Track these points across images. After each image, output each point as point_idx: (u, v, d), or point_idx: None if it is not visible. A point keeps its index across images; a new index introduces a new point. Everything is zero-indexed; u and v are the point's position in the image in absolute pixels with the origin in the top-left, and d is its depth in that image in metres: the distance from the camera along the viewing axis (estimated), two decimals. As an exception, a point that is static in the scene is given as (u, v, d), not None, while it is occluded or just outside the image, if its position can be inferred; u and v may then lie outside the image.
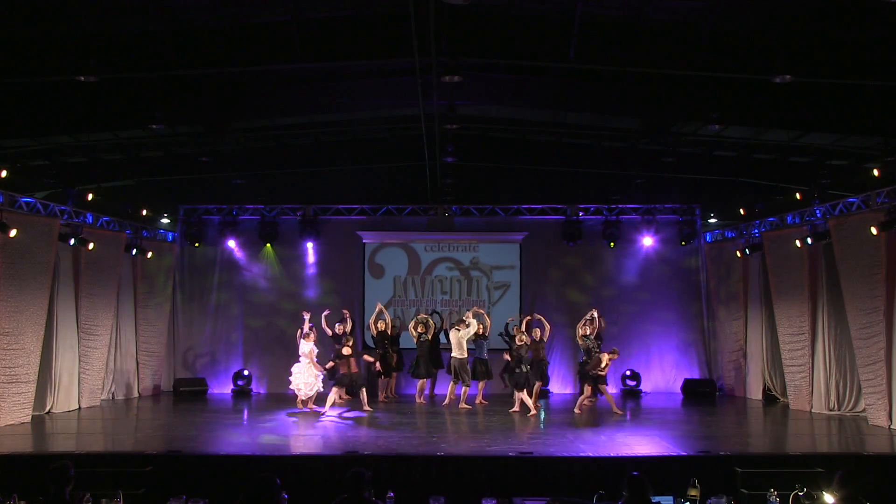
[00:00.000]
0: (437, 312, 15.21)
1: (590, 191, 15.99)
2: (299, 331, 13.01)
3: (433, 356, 14.23)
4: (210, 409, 13.19)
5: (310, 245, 16.06)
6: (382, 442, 9.75)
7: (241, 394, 15.32)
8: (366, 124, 13.81)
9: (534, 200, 16.10)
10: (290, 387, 12.78)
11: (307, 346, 12.64)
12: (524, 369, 12.25)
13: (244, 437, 10.33)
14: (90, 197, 13.22)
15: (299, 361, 12.72)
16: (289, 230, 16.10)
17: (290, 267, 16.24)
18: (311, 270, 16.23)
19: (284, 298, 16.14)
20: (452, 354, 13.22)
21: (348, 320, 13.78)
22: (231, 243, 15.98)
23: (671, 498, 6.54)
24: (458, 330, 13.17)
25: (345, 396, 14.25)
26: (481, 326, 13.35)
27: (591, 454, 8.72)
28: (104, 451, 9.21)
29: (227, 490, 7.21)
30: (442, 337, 14.46)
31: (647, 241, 16.00)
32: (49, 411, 12.10)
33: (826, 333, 12.70)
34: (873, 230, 10.66)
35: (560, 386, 15.82)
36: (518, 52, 10.17)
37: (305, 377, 12.54)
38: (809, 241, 12.52)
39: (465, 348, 13.18)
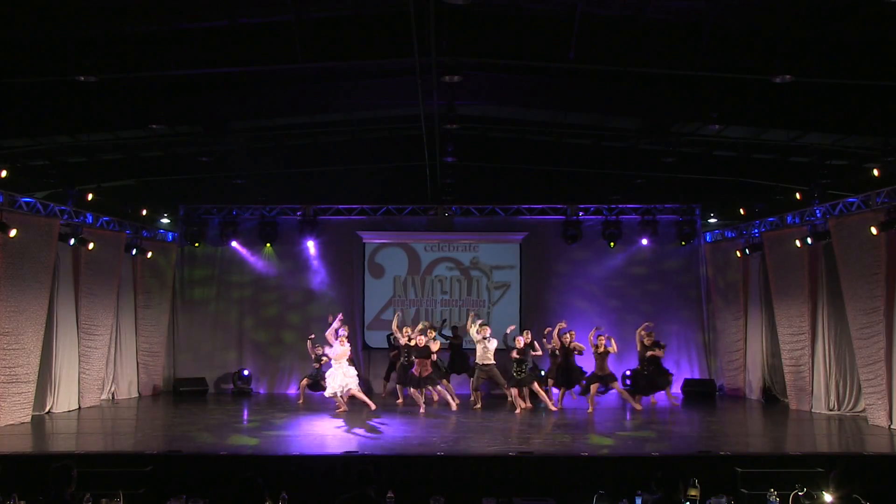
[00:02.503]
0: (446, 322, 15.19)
1: (590, 191, 15.99)
2: (332, 332, 12.48)
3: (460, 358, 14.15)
4: (210, 409, 13.18)
5: (310, 245, 16.05)
6: (382, 442, 9.75)
7: (241, 394, 15.32)
8: (366, 124, 13.79)
9: (534, 200, 16.10)
10: (328, 394, 12.24)
11: (341, 349, 12.16)
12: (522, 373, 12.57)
13: (244, 437, 10.33)
14: (90, 197, 13.23)
15: (331, 366, 12.26)
16: (289, 230, 16.11)
17: (289, 267, 16.23)
18: (311, 270, 16.23)
19: (284, 299, 16.13)
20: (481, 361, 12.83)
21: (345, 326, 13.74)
22: (231, 243, 15.98)
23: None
24: (483, 336, 12.80)
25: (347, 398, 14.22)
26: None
27: (591, 454, 8.73)
28: (104, 451, 9.20)
29: (227, 490, 7.23)
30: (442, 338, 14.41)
31: (648, 241, 16.00)
32: (49, 411, 12.09)
33: (826, 333, 12.69)
34: (873, 230, 10.66)
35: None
36: (518, 52, 10.17)
37: (341, 380, 12.06)
38: (809, 241, 12.51)
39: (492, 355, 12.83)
